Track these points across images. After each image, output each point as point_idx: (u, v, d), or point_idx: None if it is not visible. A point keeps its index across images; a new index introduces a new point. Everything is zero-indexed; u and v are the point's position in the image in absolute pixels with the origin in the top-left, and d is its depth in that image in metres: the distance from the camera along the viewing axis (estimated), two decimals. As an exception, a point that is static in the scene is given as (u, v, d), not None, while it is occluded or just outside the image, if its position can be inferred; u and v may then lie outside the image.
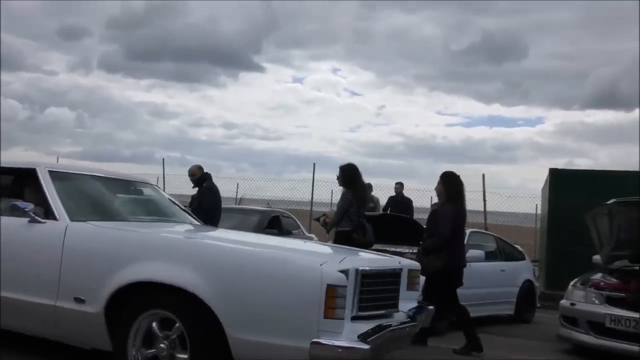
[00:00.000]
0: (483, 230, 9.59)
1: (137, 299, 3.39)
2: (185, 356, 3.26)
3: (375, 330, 3.26)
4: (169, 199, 5.09)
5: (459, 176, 5.57)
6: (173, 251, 3.48)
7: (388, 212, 10.76)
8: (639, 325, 5.18)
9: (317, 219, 7.05)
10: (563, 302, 6.19)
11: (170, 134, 58.44)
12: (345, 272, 3.16)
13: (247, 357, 3.17)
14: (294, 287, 3.08)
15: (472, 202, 13.23)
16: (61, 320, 3.57)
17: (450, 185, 5.48)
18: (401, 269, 3.91)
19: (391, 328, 3.46)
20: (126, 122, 64.56)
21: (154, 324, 3.35)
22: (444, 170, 5.62)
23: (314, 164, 14.35)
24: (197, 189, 7.86)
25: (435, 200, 12.77)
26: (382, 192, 12.43)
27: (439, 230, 5.35)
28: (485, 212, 12.90)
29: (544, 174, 10.83)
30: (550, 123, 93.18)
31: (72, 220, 3.74)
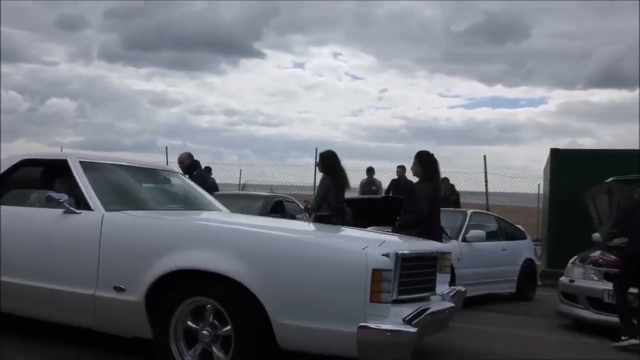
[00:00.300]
0: (484, 211, 9.76)
1: (179, 287, 3.39)
2: (222, 356, 3.27)
3: (418, 313, 3.29)
4: (195, 187, 5.13)
5: (433, 155, 5.78)
6: (216, 239, 3.49)
7: (390, 194, 10.90)
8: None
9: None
10: (562, 279, 6.37)
11: (172, 122, 58.54)
12: (386, 256, 3.20)
13: (292, 343, 3.19)
14: (340, 271, 3.10)
15: (475, 183, 13.40)
16: (100, 309, 3.60)
17: (426, 164, 5.68)
18: (438, 252, 3.97)
19: (432, 311, 3.48)
20: (127, 111, 64.62)
21: (208, 307, 3.34)
22: (419, 150, 5.81)
23: (316, 148, 14.42)
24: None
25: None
26: (385, 176, 12.60)
27: (417, 208, 5.56)
28: (487, 192, 13.05)
29: (547, 154, 10.95)
30: (554, 103, 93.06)
31: (107, 210, 3.76)
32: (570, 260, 6.52)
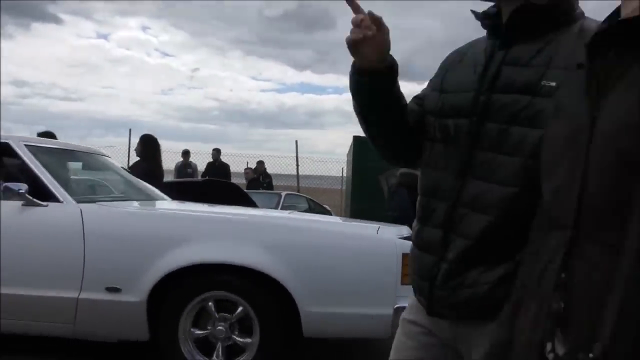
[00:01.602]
0: (296, 193, 10.71)
1: (193, 283, 3.33)
2: (248, 340, 3.31)
3: None
4: (127, 173, 4.93)
5: (155, 139, 6.66)
6: (241, 232, 3.49)
7: (207, 178, 11.33)
8: None
9: None
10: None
11: (-56, 92, 50.99)
12: (404, 239, 3.48)
13: (317, 330, 3.31)
14: (373, 258, 3.32)
15: (286, 166, 14.42)
16: (84, 314, 3.33)
17: (145, 145, 6.51)
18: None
19: None
20: None
21: (210, 304, 3.34)
22: (143, 134, 6.66)
23: (130, 129, 14.42)
24: None
25: (252, 165, 13.63)
26: (200, 158, 12.99)
27: None
28: (298, 175, 14.14)
29: (350, 140, 12.25)
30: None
31: (77, 201, 3.46)
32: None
